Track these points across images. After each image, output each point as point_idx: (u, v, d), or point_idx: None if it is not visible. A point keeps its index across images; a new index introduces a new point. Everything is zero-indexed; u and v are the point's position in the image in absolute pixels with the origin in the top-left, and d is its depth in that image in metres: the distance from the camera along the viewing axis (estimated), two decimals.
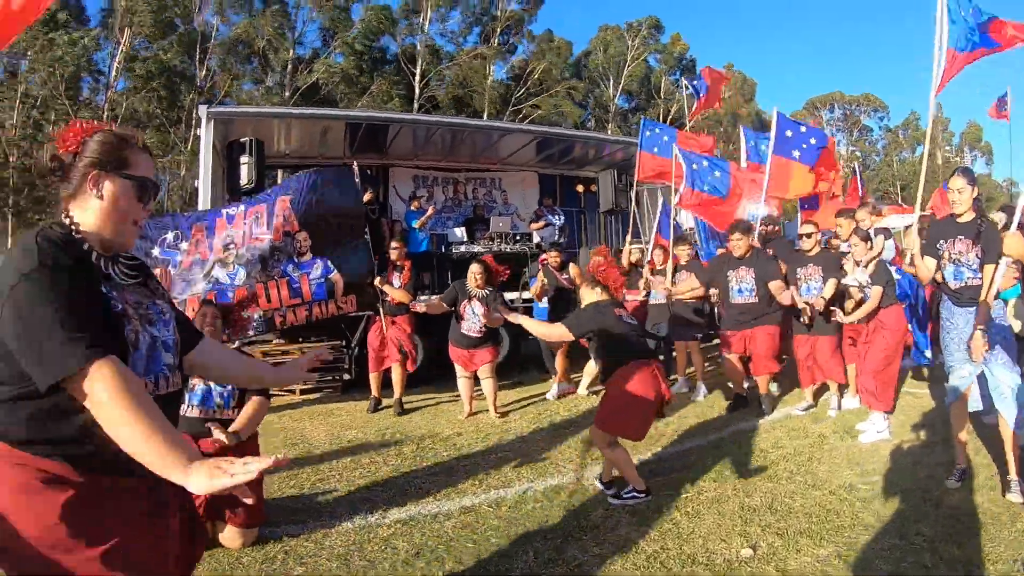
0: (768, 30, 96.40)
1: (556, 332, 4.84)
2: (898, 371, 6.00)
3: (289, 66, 33.00)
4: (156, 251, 6.93)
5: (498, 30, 37.88)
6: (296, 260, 7.17)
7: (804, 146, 8.25)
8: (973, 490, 4.26)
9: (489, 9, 38.33)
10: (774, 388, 7.38)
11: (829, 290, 6.24)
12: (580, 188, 13.66)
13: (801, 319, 6.49)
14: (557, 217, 12.45)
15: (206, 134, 9.09)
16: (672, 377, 7.97)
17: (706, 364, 8.56)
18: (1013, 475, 4.05)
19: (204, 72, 31.70)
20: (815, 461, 5.10)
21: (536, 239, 12.13)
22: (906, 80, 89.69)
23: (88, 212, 1.79)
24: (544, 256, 9.12)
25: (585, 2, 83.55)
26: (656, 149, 9.82)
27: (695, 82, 12.68)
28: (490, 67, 37.55)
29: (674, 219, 8.86)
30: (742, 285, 6.82)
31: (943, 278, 4.44)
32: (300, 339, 8.98)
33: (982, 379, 4.20)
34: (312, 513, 4.40)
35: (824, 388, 6.90)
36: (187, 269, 6.92)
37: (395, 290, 7.54)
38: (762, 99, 57.51)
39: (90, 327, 1.54)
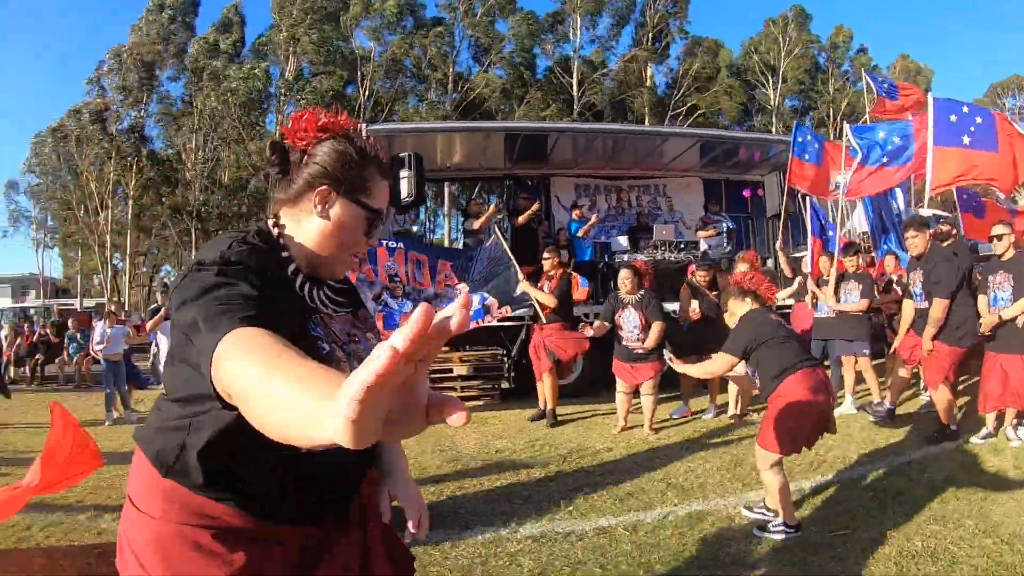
0: (940, 10, 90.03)
1: (720, 365, 4.42)
2: None
3: (449, 82, 33.99)
4: None
5: (649, 33, 37.59)
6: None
7: (972, 129, 7.27)
8: None
9: (634, 12, 38.16)
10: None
11: (1017, 308, 5.56)
12: (747, 193, 13.21)
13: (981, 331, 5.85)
14: (725, 223, 12.09)
15: None
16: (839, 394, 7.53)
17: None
18: None
19: (366, 93, 33.24)
20: (990, 502, 4.44)
21: (703, 247, 11.84)
22: None
23: (303, 226, 1.55)
24: (691, 269, 8.66)
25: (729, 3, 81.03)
26: (807, 156, 9.33)
27: (883, 83, 11.93)
28: (646, 71, 37.24)
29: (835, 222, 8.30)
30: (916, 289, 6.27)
31: None
32: (463, 348, 9.26)
33: None
34: (446, 521, 4.34)
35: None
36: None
37: (543, 295, 7.67)
38: (939, 87, 54.07)
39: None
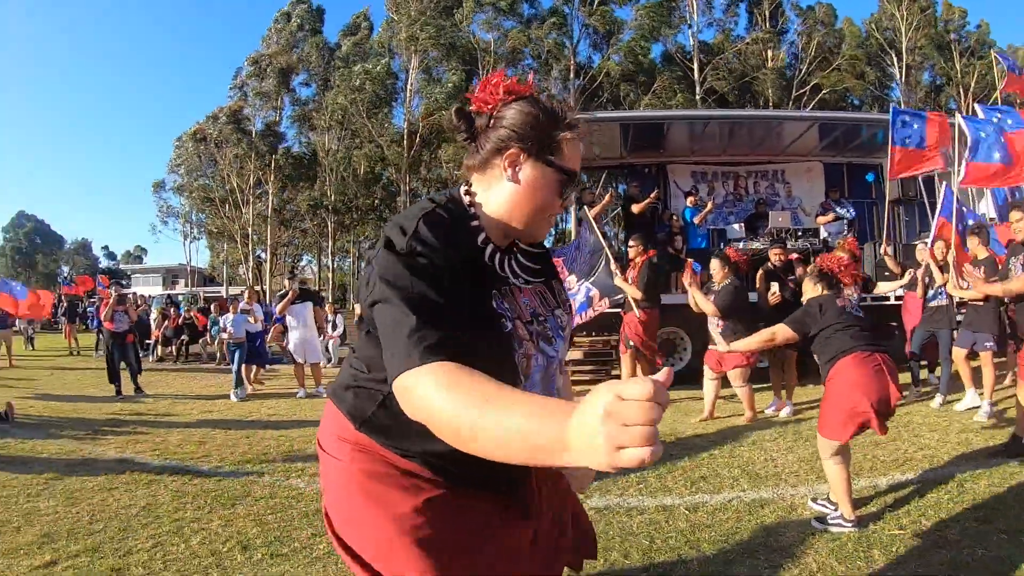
0: None
1: (779, 334, 4.38)
2: None
3: (571, 73, 34.36)
4: None
5: (765, 11, 36.72)
6: (569, 294, 8.42)
7: None
8: None
9: None
10: None
11: None
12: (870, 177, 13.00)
13: None
14: (846, 209, 11.93)
15: None
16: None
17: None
18: None
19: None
20: None
21: (823, 234, 11.82)
22: None
23: (494, 193, 1.54)
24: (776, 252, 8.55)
25: None
26: (908, 141, 9.11)
27: (1008, 59, 11.54)
28: (767, 51, 36.38)
29: (959, 206, 7.90)
30: None
31: None
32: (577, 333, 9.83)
33: None
34: None
35: None
36: None
37: (626, 285, 8.04)
38: None
39: (446, 328, 1.25)
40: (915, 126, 9.11)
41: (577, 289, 8.63)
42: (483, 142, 1.53)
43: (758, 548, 3.67)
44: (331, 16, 63.17)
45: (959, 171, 7.77)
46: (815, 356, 4.24)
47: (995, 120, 7.42)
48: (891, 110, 9.47)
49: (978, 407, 6.87)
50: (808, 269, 4.75)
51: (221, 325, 11.82)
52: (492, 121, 1.52)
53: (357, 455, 1.55)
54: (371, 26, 39.32)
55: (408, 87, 34.73)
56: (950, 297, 7.48)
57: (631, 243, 8.50)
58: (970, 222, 8.09)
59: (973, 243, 7.31)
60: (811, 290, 4.51)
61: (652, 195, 11.11)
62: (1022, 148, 7.47)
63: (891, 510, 4.22)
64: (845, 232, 11.59)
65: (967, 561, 3.43)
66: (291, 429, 7.32)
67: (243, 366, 10.34)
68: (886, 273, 9.35)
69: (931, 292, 7.72)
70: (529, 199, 1.51)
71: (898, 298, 8.85)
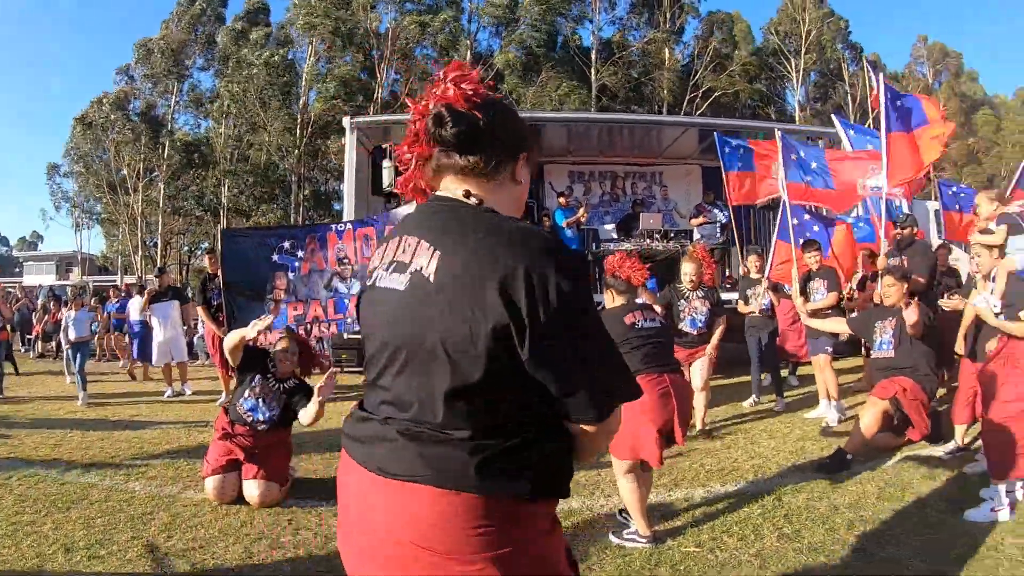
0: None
1: None
2: None
3: (468, 60, 34.25)
4: (275, 256, 7.97)
5: (666, 12, 37.41)
6: None
7: (911, 109, 7.36)
8: None
9: None
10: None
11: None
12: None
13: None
14: (721, 213, 12.12)
15: (349, 142, 10.19)
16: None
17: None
18: None
19: (382, 77, 33.78)
20: (885, 537, 4.00)
21: (696, 236, 12.06)
22: None
23: (501, 197, 1.54)
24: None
25: None
26: (740, 165, 9.52)
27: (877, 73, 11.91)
28: (665, 52, 37.03)
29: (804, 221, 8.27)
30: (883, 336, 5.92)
31: None
32: None
33: None
34: (334, 494, 4.71)
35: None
36: (306, 275, 8.06)
37: None
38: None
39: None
40: (741, 150, 9.53)
41: None
42: (484, 145, 1.49)
43: None
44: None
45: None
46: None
47: (822, 145, 7.79)
48: (716, 137, 9.80)
49: (846, 417, 7.14)
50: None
51: (64, 323, 11.19)
52: (487, 125, 1.49)
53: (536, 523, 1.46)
54: (268, 11, 38.88)
55: (305, 75, 34.12)
56: (772, 305, 7.91)
57: None
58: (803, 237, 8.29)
59: (810, 258, 7.60)
60: (608, 300, 4.41)
61: None
62: (847, 178, 8.20)
63: (696, 525, 4.21)
64: (718, 235, 11.88)
65: None
66: (147, 430, 7.42)
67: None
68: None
69: (755, 301, 8.03)
70: (522, 201, 1.62)
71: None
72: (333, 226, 8.56)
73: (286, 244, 8.14)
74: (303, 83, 34.24)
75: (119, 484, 5.25)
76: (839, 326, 6.82)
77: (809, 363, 7.92)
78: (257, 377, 4.88)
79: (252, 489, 4.63)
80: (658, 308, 6.19)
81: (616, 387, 1.37)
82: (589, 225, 12.53)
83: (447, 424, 1.35)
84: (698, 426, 6.65)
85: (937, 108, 7.60)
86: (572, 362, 1.31)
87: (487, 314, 1.27)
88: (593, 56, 35.20)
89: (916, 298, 5.72)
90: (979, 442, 5.38)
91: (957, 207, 10.33)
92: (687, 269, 6.94)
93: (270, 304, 7.85)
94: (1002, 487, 4.31)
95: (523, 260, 1.29)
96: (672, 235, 11.90)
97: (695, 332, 6.84)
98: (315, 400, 4.50)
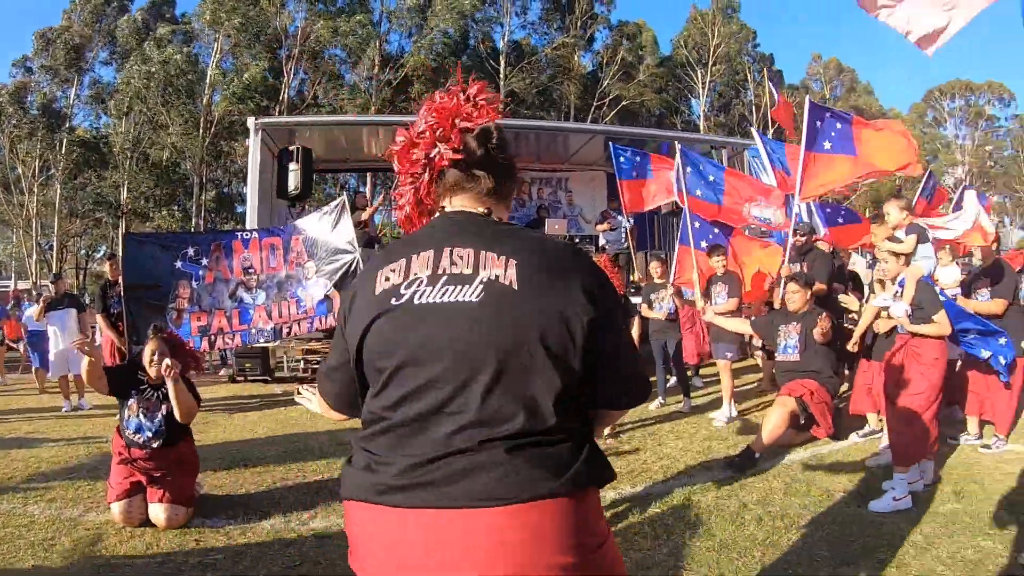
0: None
1: None
2: (935, 418, 4.84)
3: (376, 67, 33.75)
4: (179, 264, 7.81)
5: (577, 20, 37.68)
6: (304, 284, 8.47)
7: (832, 134, 7.56)
8: None
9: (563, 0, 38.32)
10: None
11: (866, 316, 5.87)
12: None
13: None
14: (626, 219, 12.27)
15: (254, 144, 9.87)
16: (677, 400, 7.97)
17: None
18: None
19: (290, 78, 32.93)
20: (793, 531, 4.11)
21: (602, 241, 12.21)
22: None
23: (505, 218, 1.65)
24: None
25: None
26: (635, 174, 9.78)
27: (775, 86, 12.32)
28: (575, 58, 37.42)
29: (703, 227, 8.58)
30: (787, 340, 6.24)
31: None
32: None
33: None
34: (248, 510, 4.68)
35: None
36: (210, 284, 7.98)
37: None
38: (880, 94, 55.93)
39: None
40: (637, 159, 9.77)
41: (315, 280, 8.49)
42: (497, 167, 1.58)
43: None
44: None
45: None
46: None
47: (726, 156, 8.05)
48: (611, 147, 10.02)
49: (735, 417, 7.38)
50: None
51: None
52: (492, 145, 1.56)
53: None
54: (174, 2, 37.59)
55: (210, 73, 32.94)
56: (676, 310, 8.04)
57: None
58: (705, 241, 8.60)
59: (716, 262, 7.80)
60: None
61: (379, 200, 11.26)
62: (736, 199, 8.66)
63: (620, 522, 4.26)
64: (622, 241, 12.03)
65: None
66: (45, 448, 6.82)
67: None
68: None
69: (659, 305, 8.12)
70: None
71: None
72: (239, 234, 8.49)
73: (190, 251, 8.00)
74: (207, 81, 32.91)
75: (17, 508, 4.89)
76: (743, 327, 7.04)
77: (714, 364, 8.14)
78: (132, 393, 4.58)
79: (158, 513, 4.42)
80: None
81: (642, 375, 1.58)
82: None
83: (559, 426, 1.38)
84: (605, 431, 6.66)
85: (878, 130, 7.78)
86: (626, 352, 1.51)
87: (581, 310, 1.38)
88: (502, 60, 35.28)
89: (824, 313, 5.90)
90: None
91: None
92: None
93: (172, 314, 7.64)
94: (904, 478, 4.52)
95: (584, 265, 1.48)
96: (577, 241, 12.01)
97: None
98: (170, 389, 4.37)
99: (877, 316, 5.65)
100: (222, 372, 11.78)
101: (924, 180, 10.34)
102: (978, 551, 3.77)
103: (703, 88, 40.39)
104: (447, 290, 1.42)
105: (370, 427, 1.48)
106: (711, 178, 8.74)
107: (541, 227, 11.88)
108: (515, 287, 1.39)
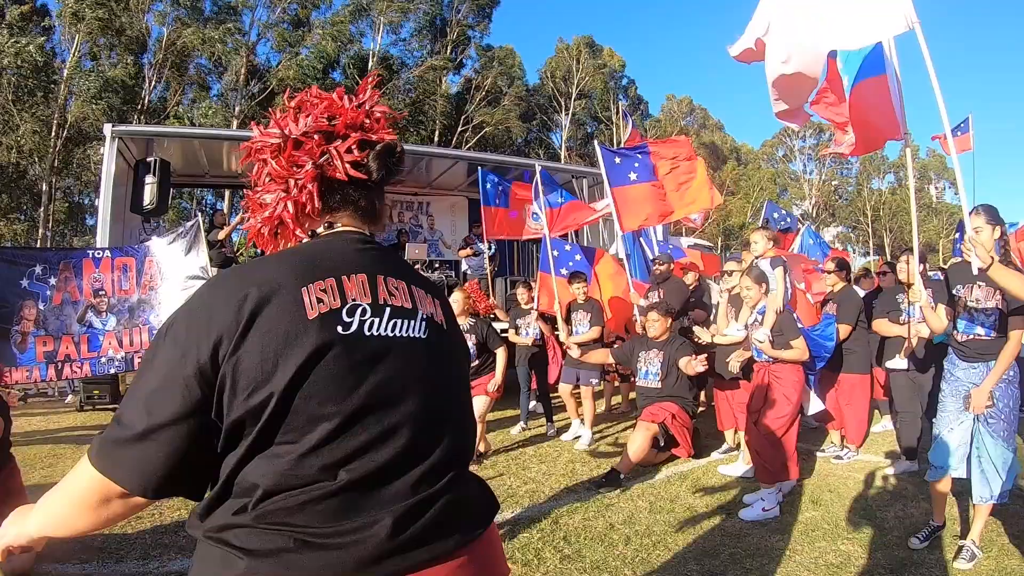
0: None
1: None
2: (795, 437, 5.29)
3: (241, 78, 32.69)
4: (25, 282, 7.32)
5: (448, 44, 37.89)
6: (157, 310, 8.10)
7: (636, 165, 8.09)
8: None
9: (437, 22, 38.41)
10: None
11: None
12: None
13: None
14: (487, 245, 12.36)
15: (109, 152, 9.17)
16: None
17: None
18: (971, 541, 3.90)
19: (152, 83, 31.33)
20: (661, 547, 4.24)
21: (464, 267, 12.20)
22: None
23: None
24: None
25: (543, 18, 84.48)
26: (498, 201, 10.02)
27: (630, 117, 12.76)
28: (443, 80, 37.51)
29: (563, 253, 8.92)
30: (649, 368, 6.46)
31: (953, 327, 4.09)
32: None
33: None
34: (101, 552, 4.30)
35: None
36: (59, 307, 7.52)
37: None
38: (731, 128, 59.27)
39: None
40: (500, 188, 9.97)
41: (168, 308, 8.05)
42: (382, 187, 1.47)
43: None
44: None
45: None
46: None
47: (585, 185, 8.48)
48: (479, 172, 10.16)
49: (579, 436, 7.51)
50: None
51: None
52: (395, 165, 1.47)
53: None
54: None
55: (67, 72, 30.48)
56: (542, 334, 8.23)
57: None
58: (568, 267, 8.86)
59: (576, 288, 7.92)
60: None
61: (238, 219, 10.92)
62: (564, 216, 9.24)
63: None
64: (484, 267, 12.03)
65: None
66: None
67: None
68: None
69: (526, 331, 8.29)
70: None
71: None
72: (89, 252, 8.05)
73: (38, 269, 7.50)
74: (63, 80, 30.69)
75: None
76: (605, 358, 7.22)
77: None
78: None
79: None
80: None
81: None
82: None
83: (472, 446, 1.46)
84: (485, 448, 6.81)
85: (674, 147, 8.43)
86: None
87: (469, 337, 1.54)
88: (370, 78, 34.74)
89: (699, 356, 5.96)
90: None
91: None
92: (455, 297, 6.94)
93: (16, 337, 7.04)
94: (772, 491, 4.84)
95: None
96: (437, 265, 11.97)
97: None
98: None
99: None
100: (68, 399, 11.06)
101: (765, 209, 10.94)
102: (839, 555, 4.05)
103: (566, 119, 41.35)
104: (396, 323, 1.32)
105: (291, 495, 1.16)
106: (560, 199, 9.30)
107: (401, 251, 11.75)
108: (444, 327, 1.43)
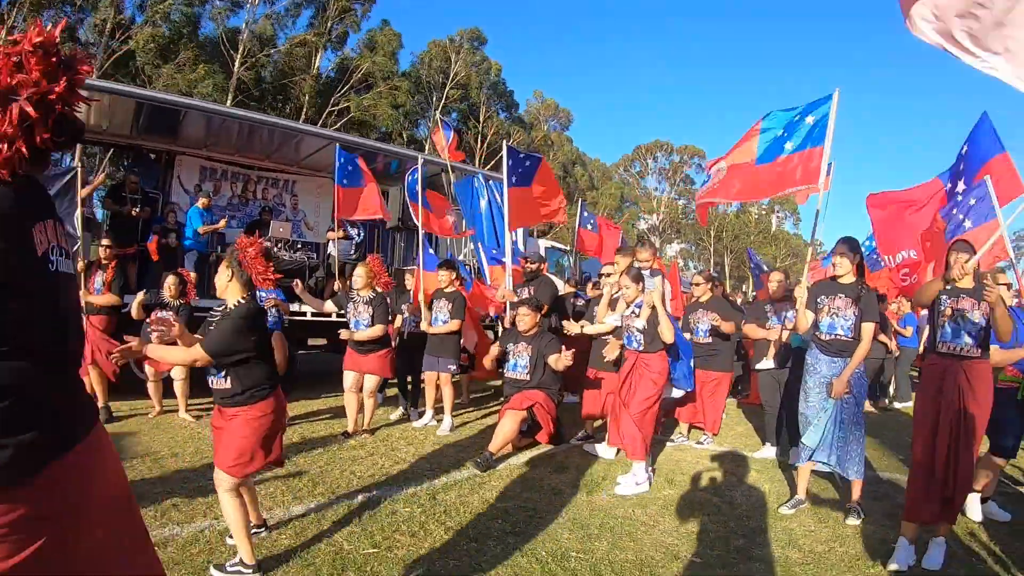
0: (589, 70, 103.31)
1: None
2: (657, 416, 6.21)
3: (107, 29, 30.50)
4: None
5: (329, 22, 36.71)
6: None
7: (520, 171, 9.04)
8: (706, 564, 4.16)
9: None
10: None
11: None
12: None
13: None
14: (356, 230, 12.55)
15: None
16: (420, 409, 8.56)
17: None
18: (856, 503, 5.10)
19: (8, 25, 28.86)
20: (536, 519, 4.77)
21: (331, 249, 12.28)
22: (728, 131, 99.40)
23: None
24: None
25: (426, 7, 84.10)
26: (346, 182, 10.47)
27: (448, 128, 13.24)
28: (315, 58, 36.64)
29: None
30: (518, 360, 7.00)
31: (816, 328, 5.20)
32: None
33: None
34: None
35: None
36: None
37: (93, 296, 7.76)
38: (586, 143, 61.31)
39: None
40: (350, 167, 10.47)
41: None
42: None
43: None
44: None
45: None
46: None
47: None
48: (336, 150, 10.55)
49: (439, 421, 8.05)
50: None
51: None
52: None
53: None
54: None
55: None
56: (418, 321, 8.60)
57: (104, 243, 8.29)
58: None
59: (441, 277, 8.36)
60: (222, 284, 3.97)
61: (101, 177, 10.79)
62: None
63: (366, 528, 4.46)
64: (351, 252, 12.20)
65: (439, 571, 3.86)
66: None
67: None
68: None
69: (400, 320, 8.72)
70: None
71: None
72: None
73: None
74: None
75: None
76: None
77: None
78: None
79: None
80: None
81: None
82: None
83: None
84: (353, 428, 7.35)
85: (550, 174, 9.58)
86: None
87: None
88: (240, 47, 33.38)
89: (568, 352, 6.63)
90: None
91: None
92: (358, 272, 7.50)
93: None
94: (642, 465, 5.73)
95: None
96: (300, 246, 12.04)
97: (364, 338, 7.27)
98: None
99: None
100: None
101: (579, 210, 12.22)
102: (697, 524, 4.84)
103: (436, 112, 41.32)
104: (64, 262, 1.68)
105: None
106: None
107: (264, 229, 11.70)
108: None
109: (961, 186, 6.33)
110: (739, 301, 13.42)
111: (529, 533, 4.48)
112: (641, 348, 6.06)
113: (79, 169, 8.12)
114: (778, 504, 5.39)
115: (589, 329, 7.25)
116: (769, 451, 7.23)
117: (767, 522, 4.96)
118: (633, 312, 6.12)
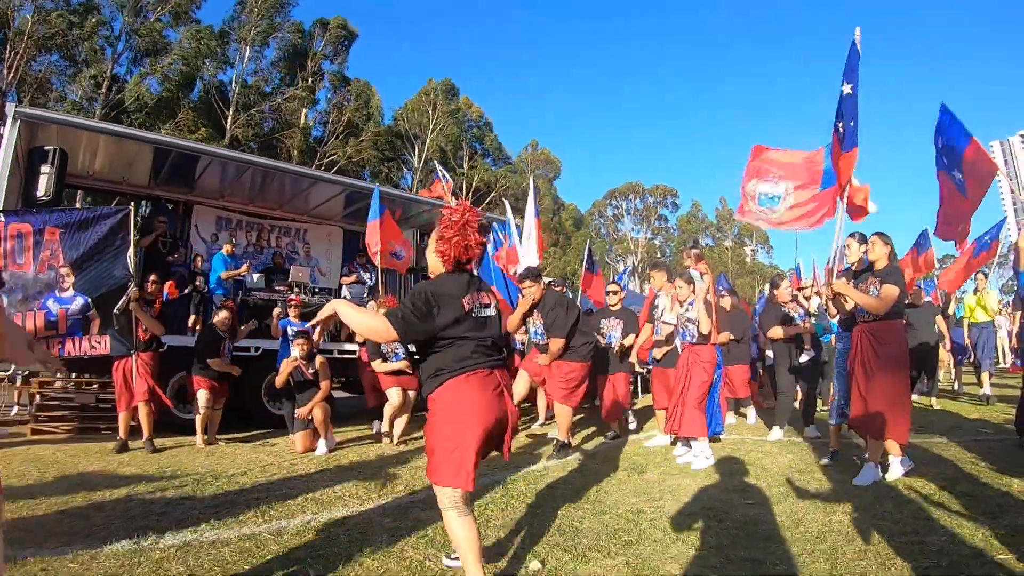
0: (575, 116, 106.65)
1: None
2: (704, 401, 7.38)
3: (105, 82, 31.67)
4: None
5: (308, 76, 38.46)
6: (57, 294, 7.72)
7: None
8: (758, 504, 5.18)
9: (298, 51, 38.99)
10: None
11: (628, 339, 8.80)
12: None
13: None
14: (368, 274, 13.23)
15: (9, 134, 8.70)
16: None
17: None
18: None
19: (14, 68, 29.78)
20: (603, 493, 5.73)
21: (344, 293, 12.93)
22: (693, 173, 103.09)
23: None
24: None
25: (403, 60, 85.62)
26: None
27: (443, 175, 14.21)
28: (302, 112, 38.02)
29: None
30: (536, 328, 8.11)
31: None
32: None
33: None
34: (80, 536, 4.37)
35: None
36: None
37: (149, 319, 8.03)
38: (565, 190, 63.84)
39: None
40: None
41: (72, 294, 7.85)
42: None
43: (353, 560, 3.98)
44: None
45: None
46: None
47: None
48: (375, 190, 11.75)
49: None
50: None
51: None
52: None
53: None
54: None
55: None
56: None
57: (152, 279, 8.78)
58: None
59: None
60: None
61: (161, 226, 11.77)
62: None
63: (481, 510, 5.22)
64: (365, 296, 12.81)
65: (543, 527, 4.63)
66: None
67: None
68: None
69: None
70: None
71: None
72: None
73: None
74: None
75: None
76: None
77: None
78: None
79: None
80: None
81: None
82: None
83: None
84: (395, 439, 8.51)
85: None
86: None
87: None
88: (232, 105, 34.76)
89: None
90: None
91: None
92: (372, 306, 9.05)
93: None
94: (702, 442, 7.01)
95: None
96: (318, 291, 12.68)
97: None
98: None
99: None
100: None
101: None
102: (742, 483, 6.11)
103: (419, 160, 42.48)
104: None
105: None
106: None
107: (278, 274, 12.40)
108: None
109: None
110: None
111: (602, 500, 5.46)
112: (694, 341, 7.23)
113: (131, 208, 8.20)
114: (804, 466, 6.65)
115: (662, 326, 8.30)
116: (777, 433, 8.49)
117: (794, 478, 6.14)
118: (688, 309, 7.26)
